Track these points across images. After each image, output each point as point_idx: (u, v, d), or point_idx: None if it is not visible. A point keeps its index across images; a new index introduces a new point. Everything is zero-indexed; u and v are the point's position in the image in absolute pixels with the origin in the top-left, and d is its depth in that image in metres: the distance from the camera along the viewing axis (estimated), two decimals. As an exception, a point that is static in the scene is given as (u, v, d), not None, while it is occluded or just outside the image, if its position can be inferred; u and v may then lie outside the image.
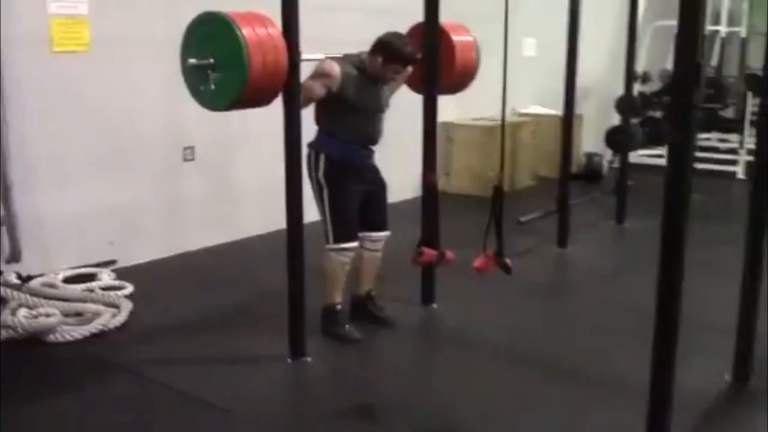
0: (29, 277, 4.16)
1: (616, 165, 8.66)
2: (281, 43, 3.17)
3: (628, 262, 5.14)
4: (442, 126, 7.36)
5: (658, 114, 8.38)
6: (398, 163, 6.83)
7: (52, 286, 4.12)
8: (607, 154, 8.49)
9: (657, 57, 8.75)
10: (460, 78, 4.19)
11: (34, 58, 4.31)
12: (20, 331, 3.67)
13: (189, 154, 5.20)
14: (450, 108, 7.07)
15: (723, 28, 8.74)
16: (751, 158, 7.58)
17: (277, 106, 3.35)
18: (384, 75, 3.66)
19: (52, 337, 3.70)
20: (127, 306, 4.03)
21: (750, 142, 7.96)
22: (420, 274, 4.24)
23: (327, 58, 3.58)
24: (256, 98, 3.25)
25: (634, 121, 7.38)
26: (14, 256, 4.11)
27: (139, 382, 3.40)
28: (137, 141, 4.90)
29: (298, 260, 3.45)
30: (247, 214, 5.53)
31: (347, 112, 3.61)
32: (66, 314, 3.86)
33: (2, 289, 3.89)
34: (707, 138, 8.95)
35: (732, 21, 9.02)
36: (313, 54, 3.50)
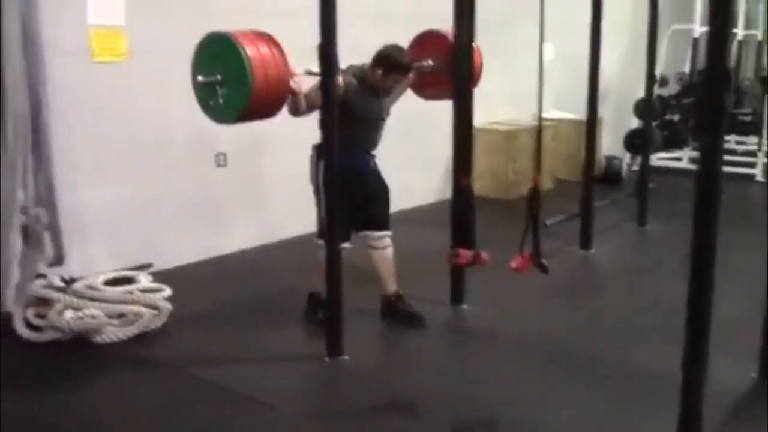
0: (72, 280, 4.29)
1: (635, 168, 8.77)
2: (282, 59, 3.40)
3: (652, 264, 5.24)
4: (464, 130, 7.51)
5: (675, 117, 8.48)
6: (420, 167, 6.98)
7: (94, 288, 4.25)
8: (626, 157, 8.58)
9: (674, 60, 8.83)
10: None
11: (76, 67, 4.45)
12: (67, 332, 3.82)
13: (221, 160, 5.34)
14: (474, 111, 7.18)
15: (740, 31, 8.80)
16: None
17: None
18: (385, 85, 3.91)
19: (97, 338, 3.84)
20: (166, 307, 4.16)
21: (768, 144, 8.05)
22: (447, 275, 4.35)
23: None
24: (261, 111, 3.48)
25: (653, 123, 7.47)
26: (58, 260, 4.24)
27: (184, 380, 3.54)
28: (172, 148, 5.05)
29: (336, 264, 3.58)
30: (280, 218, 5.66)
31: (349, 120, 3.76)
32: (109, 315, 4.00)
33: (48, 291, 4.03)
34: (726, 140, 8.98)
35: (748, 24, 9.08)
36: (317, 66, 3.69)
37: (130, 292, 4.39)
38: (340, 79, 3.73)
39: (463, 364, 3.84)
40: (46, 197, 4.16)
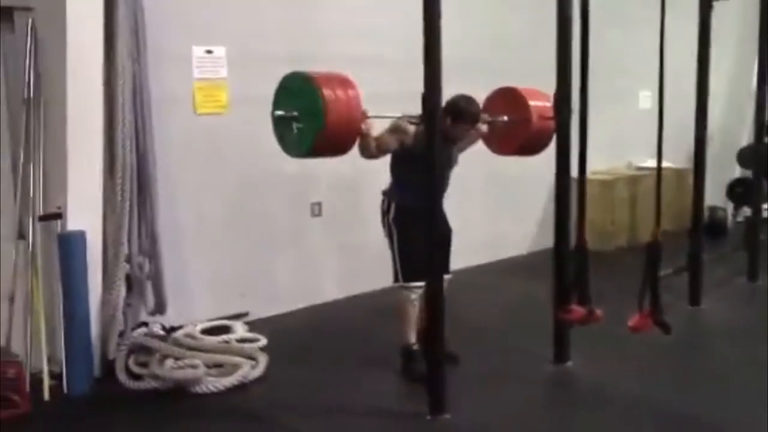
0: (172, 328, 4.33)
1: (740, 219, 8.38)
2: (355, 100, 3.51)
3: (765, 322, 4.92)
4: (558, 179, 7.35)
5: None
6: (515, 218, 6.84)
7: (192, 337, 4.28)
8: (730, 207, 8.21)
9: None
10: (537, 140, 4.33)
11: (180, 119, 4.57)
12: (167, 381, 3.83)
13: (316, 209, 5.35)
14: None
15: None
16: None
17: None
18: (453, 134, 3.93)
19: (197, 388, 3.83)
20: (264, 358, 4.13)
21: None
22: (550, 329, 4.18)
23: (404, 116, 3.91)
24: (331, 147, 3.59)
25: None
26: (160, 308, 4.28)
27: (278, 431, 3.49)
28: (269, 197, 5.10)
29: (439, 321, 3.48)
30: (371, 268, 5.59)
31: (417, 166, 3.78)
32: (207, 365, 3.99)
33: (149, 339, 4.07)
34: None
35: None
36: (393, 112, 3.88)
37: (227, 342, 4.42)
38: (411, 127, 3.85)
39: (568, 425, 3.64)
40: (150, 246, 4.23)
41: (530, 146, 4.40)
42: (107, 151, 3.99)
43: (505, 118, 4.26)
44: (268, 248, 5.13)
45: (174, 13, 4.44)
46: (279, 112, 3.65)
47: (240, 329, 4.65)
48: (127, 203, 4.00)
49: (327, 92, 3.45)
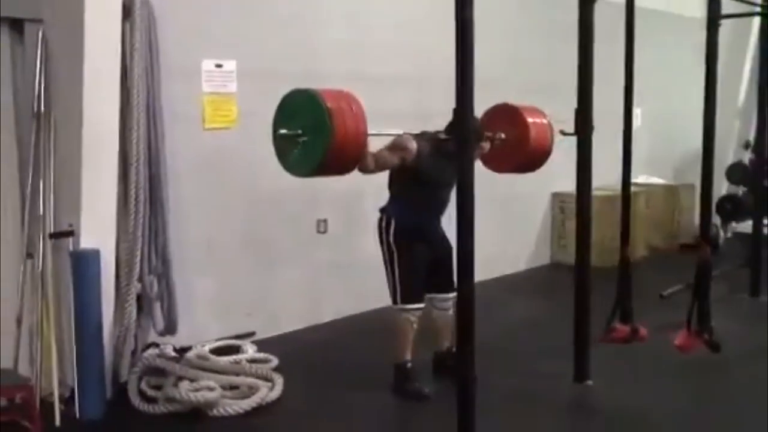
0: (183, 349, 4.21)
1: (728, 235, 8.47)
2: (360, 116, 3.43)
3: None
4: (556, 196, 7.36)
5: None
6: (512, 235, 6.83)
7: (204, 358, 4.16)
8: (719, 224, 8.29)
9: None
10: (534, 157, 4.34)
11: (189, 135, 4.47)
12: (185, 404, 3.71)
13: (322, 226, 5.27)
14: (561, 178, 7.04)
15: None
16: None
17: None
18: None
19: (215, 411, 3.72)
20: (280, 379, 4.04)
21: None
22: (563, 346, 4.16)
23: (405, 133, 3.88)
24: (338, 165, 3.50)
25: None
26: (171, 329, 4.17)
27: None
28: (276, 213, 5.01)
29: (469, 342, 3.41)
30: (378, 285, 5.52)
31: (419, 184, 3.89)
32: (222, 387, 3.88)
33: (163, 361, 3.95)
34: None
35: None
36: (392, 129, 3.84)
37: (238, 362, 4.32)
38: (414, 144, 3.81)
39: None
40: (161, 266, 4.12)
41: (528, 163, 4.39)
42: (120, 167, 3.88)
43: (503, 135, 4.19)
44: (275, 266, 5.04)
45: (184, 25, 4.37)
46: (282, 131, 3.52)
47: (250, 349, 4.55)
48: (141, 221, 3.89)
49: (334, 109, 3.37)
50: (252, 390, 3.89)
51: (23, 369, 3.79)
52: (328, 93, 3.44)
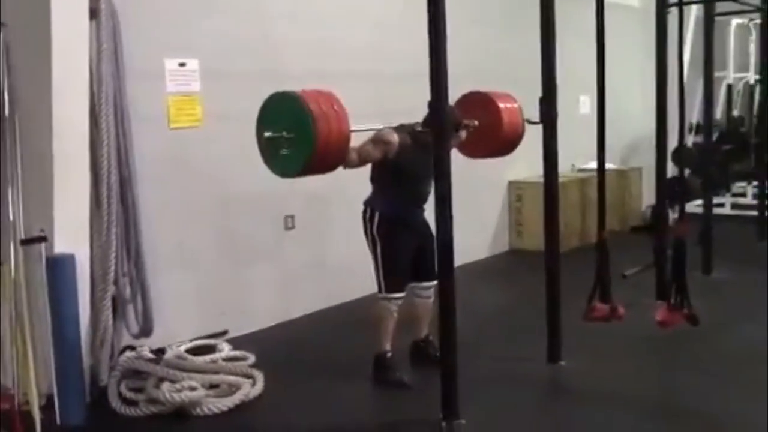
0: (159, 351, 4.19)
1: (674, 216, 8.75)
2: (343, 114, 3.46)
3: (731, 313, 5.17)
4: (512, 184, 7.51)
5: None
6: (473, 223, 6.94)
7: (183, 358, 4.15)
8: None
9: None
10: (507, 142, 4.43)
11: (154, 135, 4.43)
12: (167, 406, 3.71)
13: (290, 222, 5.29)
14: (518, 166, 7.21)
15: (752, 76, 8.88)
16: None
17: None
18: None
19: (198, 411, 3.72)
20: (260, 376, 4.06)
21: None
22: (532, 330, 4.32)
23: (386, 127, 3.94)
24: (323, 165, 3.53)
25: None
26: (146, 331, 4.15)
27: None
28: (244, 211, 5.02)
29: (451, 322, 3.50)
30: (346, 278, 5.59)
31: (400, 176, 3.97)
32: (203, 386, 3.88)
33: (142, 362, 3.93)
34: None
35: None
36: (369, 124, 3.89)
37: (215, 361, 4.32)
38: (396, 137, 3.88)
39: (578, 425, 3.70)
40: (135, 268, 4.09)
41: (502, 148, 4.48)
42: (91, 170, 3.84)
43: (476, 122, 4.26)
44: (245, 264, 5.05)
45: (145, 25, 4.31)
46: (268, 134, 3.54)
47: (226, 348, 4.55)
48: (114, 224, 3.86)
49: (316, 110, 3.39)
50: (233, 388, 3.90)
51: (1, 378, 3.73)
52: (310, 94, 3.46)
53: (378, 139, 3.92)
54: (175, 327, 4.58)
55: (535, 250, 6.80)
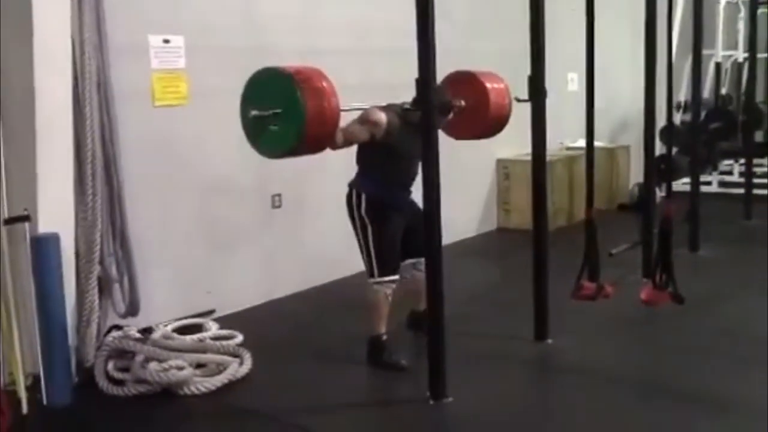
0: (146, 330, 4.16)
1: (663, 194, 8.77)
2: (332, 92, 3.38)
3: (717, 290, 5.20)
4: (499, 163, 7.50)
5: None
6: (461, 202, 6.93)
7: (170, 338, 4.13)
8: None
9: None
10: (494, 123, 4.39)
11: (139, 112, 4.38)
12: (154, 385, 3.70)
13: (277, 200, 5.26)
14: (505, 144, 7.18)
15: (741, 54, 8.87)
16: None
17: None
18: None
19: (186, 390, 3.71)
20: (248, 355, 4.05)
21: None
22: (520, 307, 4.33)
23: (373, 107, 3.83)
24: (312, 145, 3.47)
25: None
26: (133, 310, 4.12)
27: (282, 428, 3.45)
28: (230, 189, 4.98)
29: (439, 302, 3.50)
30: (333, 257, 5.58)
31: (388, 157, 3.87)
32: (190, 365, 3.87)
33: (129, 342, 3.91)
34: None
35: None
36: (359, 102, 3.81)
37: (202, 341, 4.30)
38: (384, 117, 3.77)
39: (565, 402, 3.72)
40: (120, 247, 4.06)
41: (488, 129, 4.44)
42: (74, 149, 3.79)
43: (462, 102, 4.22)
44: (231, 243, 5.02)
45: (129, 0, 4.25)
46: (254, 112, 3.43)
47: (213, 327, 4.53)
48: (99, 203, 3.82)
49: (305, 87, 3.31)
50: (220, 367, 3.89)
51: (-17, 359, 3.70)
52: (299, 71, 3.37)
53: (366, 119, 3.81)
54: (162, 306, 4.55)
55: (522, 229, 6.82)
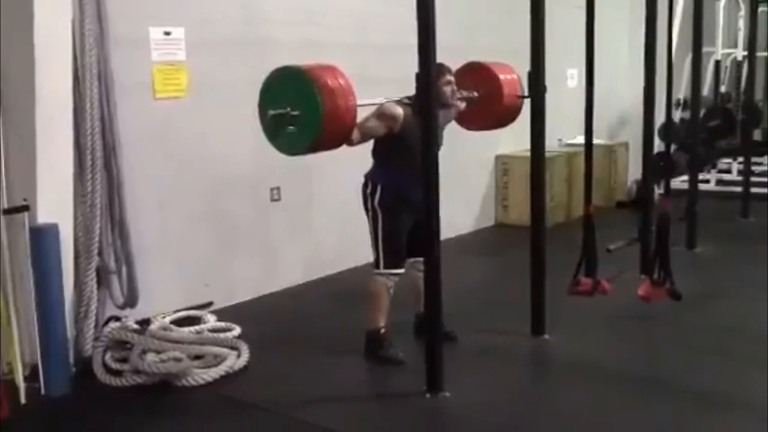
0: (144, 322, 4.18)
1: (660, 191, 8.77)
2: (349, 89, 3.40)
3: (714, 287, 5.21)
4: (498, 159, 7.50)
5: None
6: (461, 198, 6.95)
7: (168, 329, 4.15)
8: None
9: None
10: (507, 113, 4.39)
11: (139, 105, 4.38)
12: (151, 376, 3.71)
13: (276, 194, 5.27)
14: (504, 140, 7.20)
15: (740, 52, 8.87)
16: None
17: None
18: (438, 92, 3.77)
19: (183, 381, 3.73)
20: (245, 347, 4.06)
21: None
22: (517, 304, 4.32)
23: (389, 101, 3.83)
24: (330, 141, 3.48)
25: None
26: (132, 301, 4.14)
27: (279, 420, 3.45)
28: (229, 182, 4.98)
29: (436, 296, 3.52)
30: (331, 251, 5.59)
31: (404, 150, 3.85)
32: (188, 357, 3.88)
33: (127, 333, 3.92)
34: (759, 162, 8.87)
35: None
36: (373, 98, 3.78)
37: (200, 333, 4.32)
38: (401, 110, 3.79)
39: (562, 397, 3.72)
40: (119, 238, 4.07)
41: (501, 120, 4.44)
42: (74, 140, 3.79)
43: (476, 93, 4.24)
44: (230, 235, 5.03)
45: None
46: (272, 111, 3.43)
47: (211, 319, 4.55)
48: (98, 194, 3.83)
49: (323, 86, 3.32)
50: (218, 359, 3.91)
51: (-18, 349, 3.71)
52: (316, 69, 3.39)
53: (383, 114, 3.82)
54: (160, 298, 4.56)
55: (521, 225, 6.84)
